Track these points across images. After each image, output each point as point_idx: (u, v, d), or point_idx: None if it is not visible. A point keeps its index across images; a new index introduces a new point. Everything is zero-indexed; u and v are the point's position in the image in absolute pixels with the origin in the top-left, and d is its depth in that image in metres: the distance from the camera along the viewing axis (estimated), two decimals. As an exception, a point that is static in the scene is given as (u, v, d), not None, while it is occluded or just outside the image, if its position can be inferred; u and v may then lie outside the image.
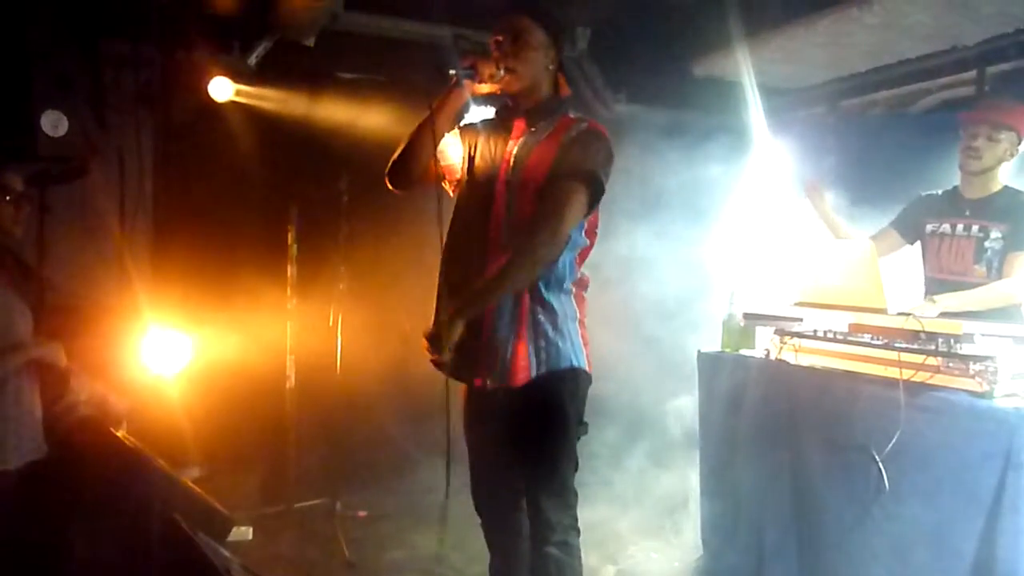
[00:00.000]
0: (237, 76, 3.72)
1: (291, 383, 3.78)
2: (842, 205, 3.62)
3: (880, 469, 2.23)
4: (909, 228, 3.02)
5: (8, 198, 2.46)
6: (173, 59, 3.65)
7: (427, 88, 2.21)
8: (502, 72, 2.11)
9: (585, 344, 2.17)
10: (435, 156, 2.19)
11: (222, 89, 3.68)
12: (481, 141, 2.24)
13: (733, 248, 4.08)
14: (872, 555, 2.27)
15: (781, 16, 3.44)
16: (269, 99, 3.83)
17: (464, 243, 2.17)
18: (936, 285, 2.86)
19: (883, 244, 3.03)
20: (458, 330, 1.96)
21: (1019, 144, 2.79)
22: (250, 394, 3.68)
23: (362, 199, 3.69)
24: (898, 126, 4.20)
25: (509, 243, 2.07)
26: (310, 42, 3.79)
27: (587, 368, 2.16)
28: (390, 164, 2.21)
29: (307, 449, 3.85)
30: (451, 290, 2.15)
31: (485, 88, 2.15)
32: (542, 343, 2.09)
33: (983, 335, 2.15)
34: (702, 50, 3.93)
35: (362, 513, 3.82)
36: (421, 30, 3.97)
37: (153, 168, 3.65)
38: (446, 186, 2.29)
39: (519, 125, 2.19)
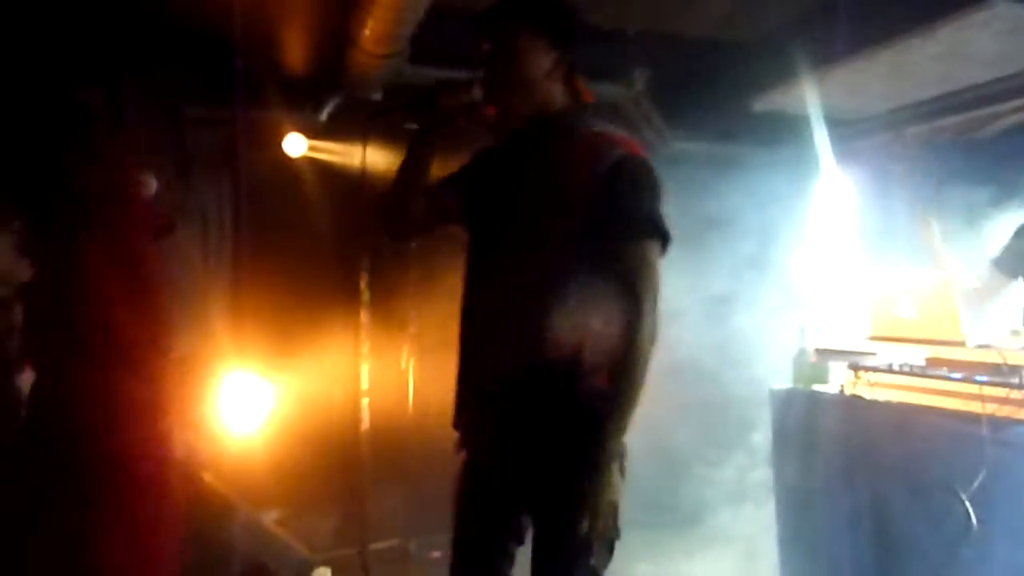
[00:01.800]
0: (309, 132, 3.90)
1: (365, 425, 3.88)
2: (907, 227, 3.57)
3: (967, 508, 2.17)
4: (1008, 264, 2.92)
5: None
6: (250, 118, 3.85)
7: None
8: (479, 95, 1.75)
9: None
10: (430, 198, 1.88)
11: (296, 145, 3.86)
12: (490, 172, 1.86)
13: (802, 282, 4.03)
14: (962, 598, 2.20)
15: (842, 51, 3.43)
16: (339, 153, 4.00)
17: (479, 289, 1.85)
18: None
19: (992, 285, 2.96)
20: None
21: None
22: (326, 437, 3.79)
23: (430, 246, 3.79)
24: (968, 151, 4.12)
25: (525, 281, 1.69)
26: (378, 95, 3.96)
27: None
28: (379, 213, 1.92)
29: (382, 490, 3.93)
30: (471, 347, 1.84)
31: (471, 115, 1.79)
32: None
33: (1069, 368, 2.09)
34: (760, 86, 3.93)
35: (436, 554, 3.85)
36: (482, 79, 4.09)
37: (233, 223, 3.84)
38: (460, 228, 1.93)
39: (528, 146, 1.78)
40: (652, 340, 1.64)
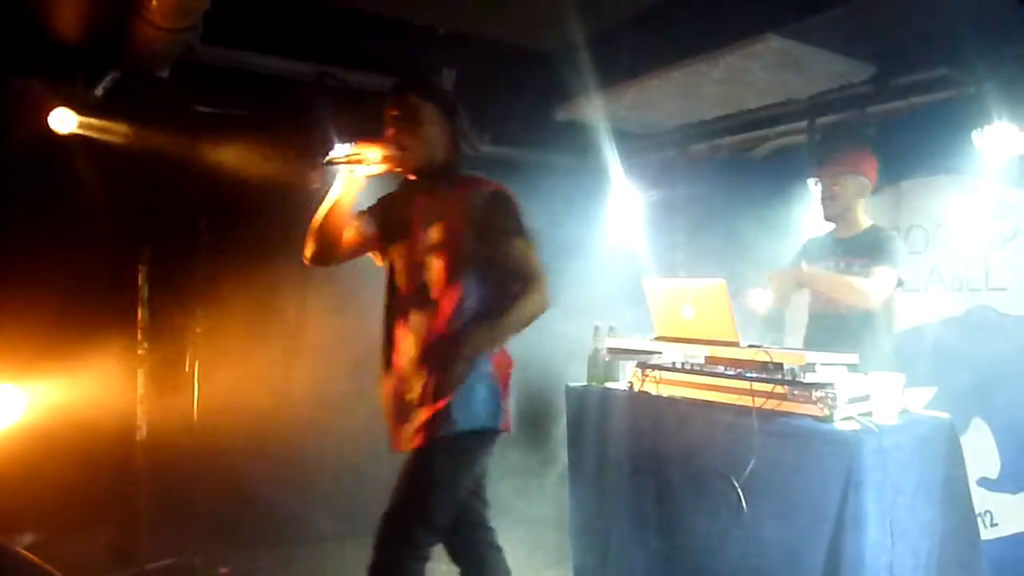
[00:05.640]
0: (81, 107, 3.49)
1: (142, 434, 3.52)
2: (687, 238, 3.84)
3: (739, 494, 2.36)
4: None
5: None
6: (7, 88, 3.39)
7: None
8: (395, 151, 2.24)
9: None
10: (354, 229, 2.34)
11: (64, 121, 3.44)
12: (393, 210, 2.39)
13: (597, 285, 4.22)
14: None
15: (636, 69, 3.65)
16: (118, 132, 3.62)
17: (388, 309, 2.37)
18: (815, 318, 3.14)
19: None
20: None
21: (867, 183, 3.09)
22: (95, 448, 3.41)
23: (221, 239, 3.54)
24: (741, 168, 4.56)
25: (419, 306, 2.25)
26: (164, 73, 3.63)
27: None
28: (307, 249, 2.29)
29: (160, 505, 3.57)
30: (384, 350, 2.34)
31: (378, 169, 2.24)
32: None
33: (823, 364, 2.34)
34: (563, 97, 4.08)
35: (224, 570, 3.59)
36: (284, 66, 3.89)
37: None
38: (372, 256, 2.43)
39: (421, 190, 2.35)
40: (540, 305, 2.31)
